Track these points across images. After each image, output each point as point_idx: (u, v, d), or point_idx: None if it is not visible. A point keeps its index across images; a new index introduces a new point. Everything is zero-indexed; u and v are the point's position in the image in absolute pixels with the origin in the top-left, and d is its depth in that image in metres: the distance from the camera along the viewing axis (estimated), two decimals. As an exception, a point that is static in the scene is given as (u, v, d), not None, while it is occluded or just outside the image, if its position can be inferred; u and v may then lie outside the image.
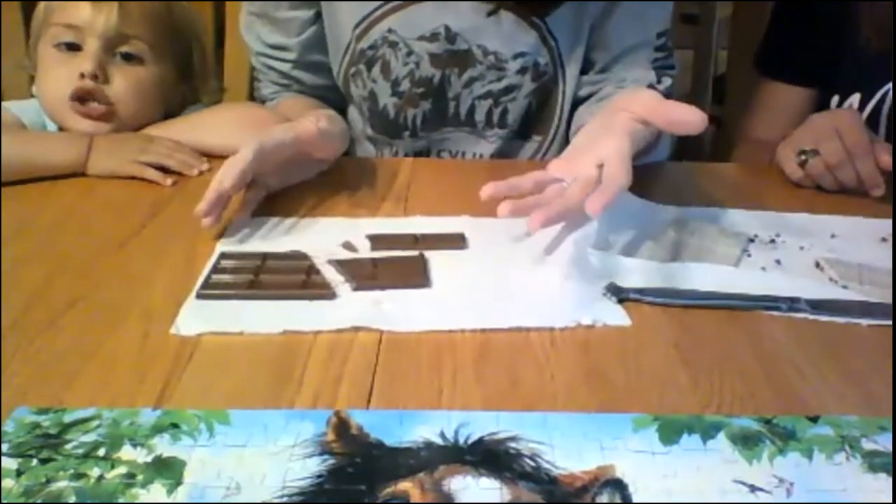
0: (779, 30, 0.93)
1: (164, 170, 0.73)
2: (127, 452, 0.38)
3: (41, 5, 0.81)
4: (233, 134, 0.73)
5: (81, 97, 0.76)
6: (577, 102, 0.84)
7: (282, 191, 0.69)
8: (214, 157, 0.75)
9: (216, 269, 0.56)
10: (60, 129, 0.79)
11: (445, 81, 0.81)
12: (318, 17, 0.83)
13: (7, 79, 1.00)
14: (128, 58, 0.77)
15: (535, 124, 0.86)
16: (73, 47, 0.76)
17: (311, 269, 0.56)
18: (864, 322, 0.52)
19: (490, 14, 0.78)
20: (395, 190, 0.72)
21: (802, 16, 0.89)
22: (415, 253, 0.58)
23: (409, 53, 0.80)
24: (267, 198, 0.67)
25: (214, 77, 0.92)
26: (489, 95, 0.82)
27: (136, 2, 0.77)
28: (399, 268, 0.56)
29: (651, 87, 0.80)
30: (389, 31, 0.80)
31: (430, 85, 0.81)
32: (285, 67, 0.86)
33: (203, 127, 0.78)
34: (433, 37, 0.79)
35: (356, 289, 0.54)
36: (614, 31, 0.81)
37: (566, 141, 0.85)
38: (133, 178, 0.72)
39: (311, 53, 0.85)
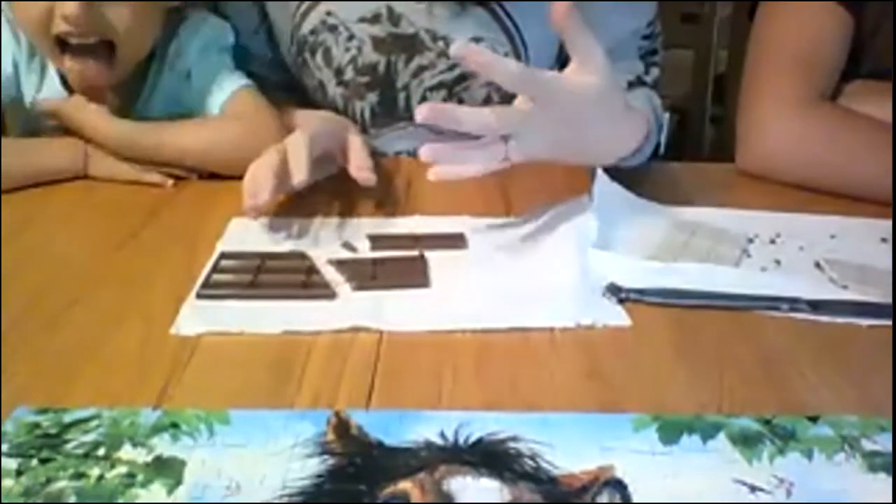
0: None
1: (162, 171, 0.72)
2: (127, 452, 0.38)
3: None
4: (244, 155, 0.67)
5: (66, 41, 0.67)
6: None
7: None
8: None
9: (216, 270, 0.56)
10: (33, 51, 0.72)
11: (392, 69, 0.76)
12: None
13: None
14: None
15: None
16: None
17: (311, 270, 0.56)
18: (864, 322, 0.52)
19: None
20: (395, 190, 0.72)
21: None
22: (415, 253, 0.58)
23: (351, 38, 0.75)
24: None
25: None
26: (442, 86, 0.76)
27: None
28: (399, 268, 0.56)
29: (639, 80, 0.76)
30: (328, 13, 0.74)
31: (376, 73, 0.76)
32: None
33: (215, 149, 0.72)
34: (374, 18, 0.74)
35: (356, 289, 0.54)
36: (600, 19, 0.72)
37: None
38: (133, 181, 0.72)
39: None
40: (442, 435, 0.40)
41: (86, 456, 0.38)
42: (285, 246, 0.59)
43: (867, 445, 0.40)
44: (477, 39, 0.74)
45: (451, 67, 0.76)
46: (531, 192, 0.69)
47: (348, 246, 0.60)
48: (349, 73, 0.77)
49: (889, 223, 0.66)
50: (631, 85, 0.76)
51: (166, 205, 0.69)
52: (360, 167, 0.66)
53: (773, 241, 0.63)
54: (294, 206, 0.67)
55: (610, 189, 0.64)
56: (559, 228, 0.61)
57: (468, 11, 0.74)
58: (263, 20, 0.80)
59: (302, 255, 0.58)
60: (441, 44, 0.75)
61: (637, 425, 0.41)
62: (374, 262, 0.57)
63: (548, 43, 0.76)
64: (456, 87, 0.77)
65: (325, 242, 0.60)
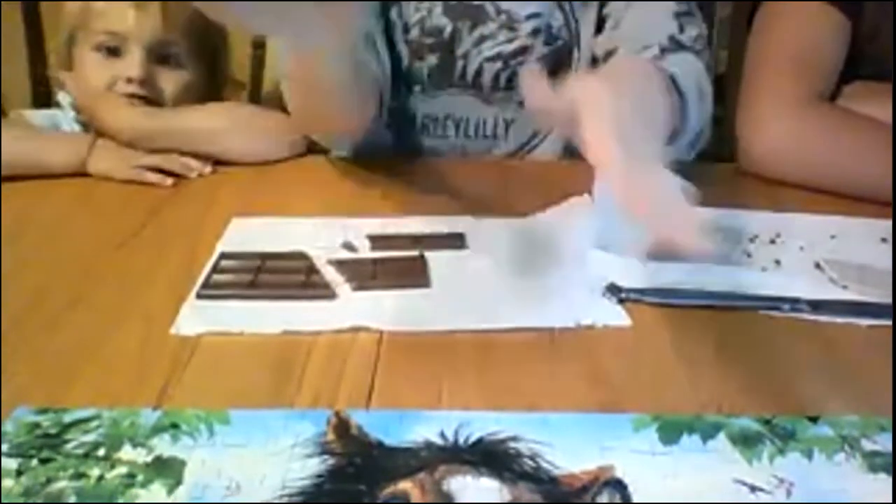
0: None
1: (163, 171, 0.73)
2: (127, 452, 0.38)
3: (76, 7, 0.81)
4: (251, 138, 0.75)
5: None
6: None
7: (282, 191, 0.69)
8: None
9: (216, 270, 0.56)
10: (86, 129, 0.79)
11: (456, 35, 0.78)
12: None
13: (7, 80, 1.00)
14: (168, 62, 0.79)
15: None
16: (114, 52, 0.77)
17: (311, 270, 0.56)
18: (864, 322, 0.52)
19: None
20: (395, 189, 0.72)
21: None
22: (415, 253, 0.58)
23: None
24: (267, 197, 0.67)
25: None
26: (499, 57, 0.79)
27: (176, 5, 0.78)
28: (399, 268, 0.56)
29: (674, 40, 0.70)
30: None
31: (440, 37, 0.78)
32: None
33: (221, 132, 0.77)
34: None
35: (356, 289, 0.54)
36: None
37: None
38: (131, 181, 0.72)
39: None
40: (442, 435, 0.40)
41: (86, 456, 0.38)
42: (285, 246, 0.59)
43: (867, 445, 0.40)
44: (536, 14, 0.76)
45: (510, 40, 0.78)
46: (531, 192, 0.69)
47: (348, 246, 0.60)
48: (415, 33, 0.78)
49: (889, 223, 0.66)
50: (664, 51, 0.70)
51: (166, 204, 0.69)
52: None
53: (773, 241, 0.63)
54: (294, 206, 0.67)
55: (610, 189, 0.63)
56: (559, 229, 0.61)
57: None
58: None
59: (302, 255, 0.58)
60: (503, 17, 0.77)
61: (637, 425, 0.41)
62: (374, 262, 0.57)
63: (589, 12, 0.78)
64: (511, 60, 0.79)
65: (325, 242, 0.60)
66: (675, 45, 0.71)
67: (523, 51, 0.78)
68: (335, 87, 0.64)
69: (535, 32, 0.78)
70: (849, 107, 0.77)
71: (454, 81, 0.80)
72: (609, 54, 0.75)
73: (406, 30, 0.79)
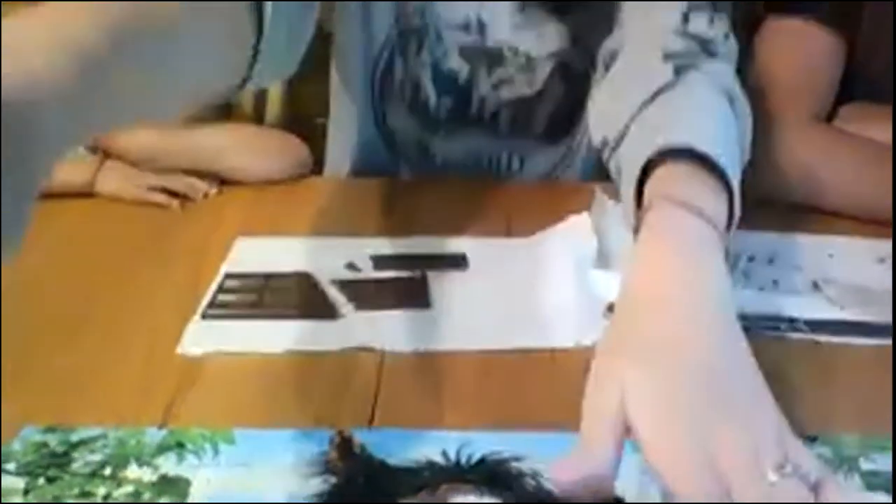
0: None
1: (169, 192, 0.74)
2: (133, 471, 0.39)
3: None
4: (257, 158, 0.75)
5: None
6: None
7: (286, 211, 0.70)
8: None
9: (221, 290, 0.56)
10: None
11: (474, 77, 0.76)
12: None
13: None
14: None
15: (564, 128, 0.80)
16: None
17: (315, 290, 0.56)
18: (862, 342, 0.52)
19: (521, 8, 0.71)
20: (398, 210, 0.73)
21: None
22: (416, 273, 0.59)
23: (439, 39, 0.75)
24: (272, 217, 0.68)
25: None
26: (519, 102, 0.77)
27: None
28: (401, 288, 0.57)
29: (681, 29, 0.61)
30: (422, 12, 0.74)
31: (457, 78, 0.77)
32: None
33: (228, 151, 0.77)
34: (465, 27, 0.74)
35: (359, 309, 0.54)
36: None
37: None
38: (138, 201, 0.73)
39: None
40: (444, 454, 0.40)
41: (92, 475, 0.39)
42: (289, 266, 0.60)
43: (866, 465, 0.41)
44: (556, 55, 0.75)
45: (529, 83, 0.77)
46: (532, 212, 0.69)
47: (351, 266, 0.61)
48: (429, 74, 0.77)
49: (887, 244, 0.67)
50: (682, 68, 0.59)
51: (172, 224, 0.69)
52: None
53: (770, 261, 0.64)
54: (298, 226, 0.68)
55: (609, 208, 0.64)
56: (559, 248, 0.61)
57: (550, 26, 0.74)
58: None
59: (306, 276, 0.58)
60: (522, 59, 0.75)
61: (636, 445, 0.41)
62: (377, 282, 0.58)
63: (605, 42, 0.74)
64: (531, 102, 0.78)
65: (328, 263, 0.61)
66: (704, 49, 0.62)
67: (542, 93, 0.77)
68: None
69: (553, 74, 0.76)
70: (845, 128, 0.78)
71: (470, 122, 0.79)
72: (613, 55, 0.68)
73: (434, 69, 0.77)
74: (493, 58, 0.75)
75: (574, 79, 0.76)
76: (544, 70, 0.76)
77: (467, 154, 0.81)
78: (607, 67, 0.69)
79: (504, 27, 0.74)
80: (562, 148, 0.81)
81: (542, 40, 0.75)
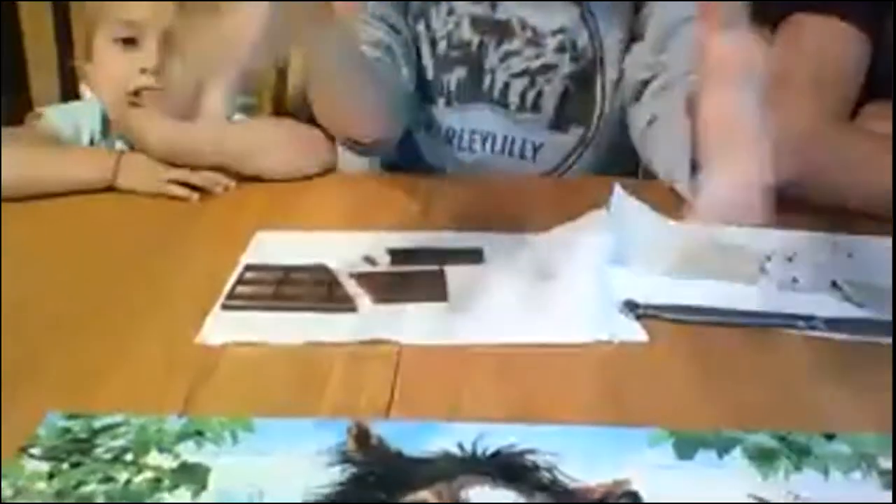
0: None
1: (190, 186, 0.74)
2: (154, 458, 0.39)
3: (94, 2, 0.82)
4: (286, 157, 0.75)
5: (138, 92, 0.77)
6: (633, 90, 0.77)
7: (305, 206, 0.70)
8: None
9: (240, 281, 0.57)
10: (107, 127, 0.80)
11: (483, 50, 0.79)
12: None
13: (38, 78, 1.01)
14: None
15: (574, 115, 0.81)
16: (131, 42, 0.77)
17: (333, 282, 0.57)
18: (881, 340, 0.52)
19: None
20: (415, 205, 0.73)
21: None
22: (434, 267, 0.59)
23: (450, 12, 0.78)
24: (290, 211, 0.69)
25: None
26: (525, 73, 0.79)
27: None
28: (418, 282, 0.57)
29: None
30: None
31: (468, 50, 0.79)
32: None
33: (256, 151, 0.77)
34: None
35: (376, 302, 0.55)
36: None
37: (610, 139, 0.80)
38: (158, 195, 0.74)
39: None
40: (460, 446, 0.40)
41: (114, 460, 0.39)
42: (308, 259, 0.60)
43: (884, 463, 0.40)
44: (561, 30, 0.77)
45: (537, 56, 0.78)
46: (548, 207, 0.70)
47: (369, 260, 0.61)
48: (443, 46, 0.79)
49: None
50: None
51: (192, 217, 0.70)
52: None
53: (790, 259, 0.64)
54: (316, 220, 0.68)
55: (627, 204, 0.64)
56: (576, 244, 0.61)
57: (557, 3, 0.76)
58: None
59: (324, 269, 0.59)
60: (529, 32, 0.77)
61: (653, 440, 0.41)
62: (395, 275, 0.58)
63: (615, 31, 0.79)
64: (538, 77, 0.79)
65: (346, 256, 0.61)
66: None
67: (549, 68, 0.79)
68: (343, 83, 0.63)
69: (561, 49, 0.78)
70: (868, 126, 0.77)
71: (481, 96, 0.81)
72: (647, 83, 0.75)
73: (433, 43, 0.80)
74: (503, 29, 0.77)
75: (580, 59, 0.78)
76: (551, 45, 0.77)
77: (476, 130, 0.82)
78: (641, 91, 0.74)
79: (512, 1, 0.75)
80: (572, 138, 0.82)
81: (550, 15, 0.77)
